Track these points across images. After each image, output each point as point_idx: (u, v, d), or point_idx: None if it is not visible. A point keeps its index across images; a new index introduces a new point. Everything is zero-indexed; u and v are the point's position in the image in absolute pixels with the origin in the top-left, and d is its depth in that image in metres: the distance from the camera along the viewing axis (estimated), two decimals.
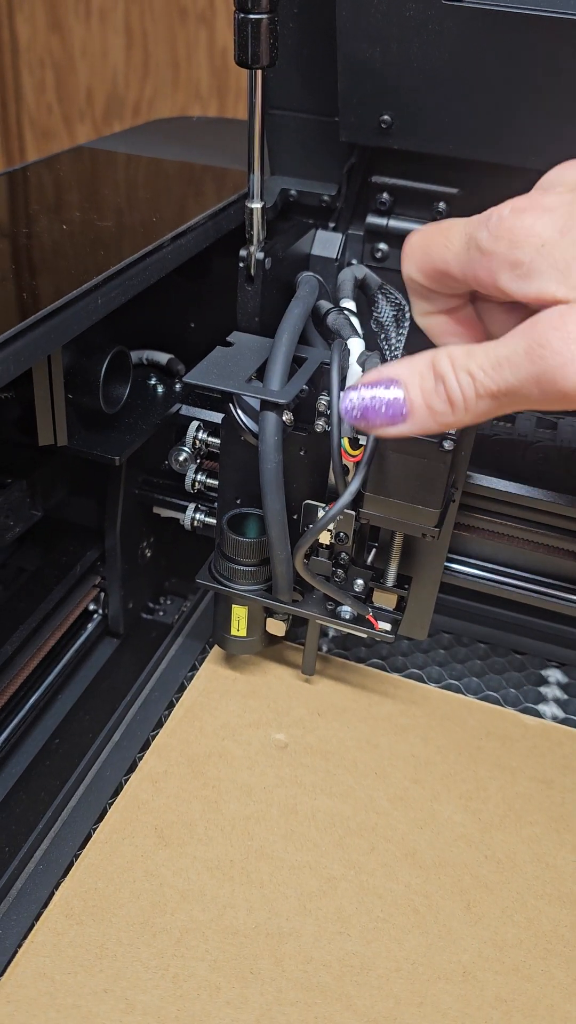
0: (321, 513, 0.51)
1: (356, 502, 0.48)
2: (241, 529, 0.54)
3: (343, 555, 0.53)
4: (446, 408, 0.35)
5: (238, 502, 0.55)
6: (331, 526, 0.50)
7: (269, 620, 0.57)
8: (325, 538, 0.52)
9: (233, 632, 0.57)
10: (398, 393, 0.36)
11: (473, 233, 0.36)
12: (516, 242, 0.34)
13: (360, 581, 0.53)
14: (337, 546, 0.52)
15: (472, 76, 0.50)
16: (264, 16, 0.44)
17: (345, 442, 0.46)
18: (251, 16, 0.44)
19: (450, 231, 0.37)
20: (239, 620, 0.56)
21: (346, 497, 0.45)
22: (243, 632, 0.56)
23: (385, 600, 0.54)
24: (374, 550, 0.54)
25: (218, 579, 0.55)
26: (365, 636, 0.55)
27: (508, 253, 0.34)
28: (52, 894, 0.46)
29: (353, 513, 0.50)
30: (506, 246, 0.34)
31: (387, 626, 0.54)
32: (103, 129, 1.73)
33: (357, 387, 0.38)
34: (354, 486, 0.45)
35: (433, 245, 0.38)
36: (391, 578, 0.54)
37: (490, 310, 0.41)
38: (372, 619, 0.54)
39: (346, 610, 0.54)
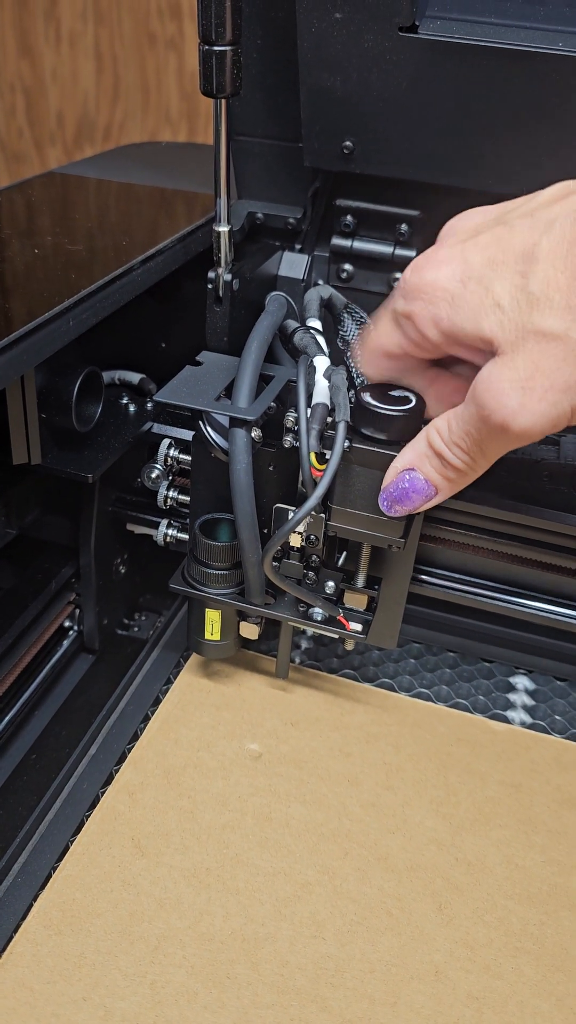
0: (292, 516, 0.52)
1: (326, 507, 0.50)
2: (213, 534, 0.55)
3: (314, 558, 0.54)
4: (457, 474, 0.42)
5: None
6: (301, 529, 0.51)
7: (242, 624, 0.58)
8: (296, 541, 0.53)
9: (207, 636, 0.58)
10: (418, 476, 0.43)
11: (392, 307, 0.41)
12: (429, 299, 0.39)
13: (331, 583, 0.55)
14: (308, 549, 0.53)
15: (429, 103, 0.52)
16: (228, 48, 0.46)
17: (312, 457, 0.47)
18: (215, 48, 0.46)
19: (377, 321, 0.43)
20: (213, 624, 0.57)
21: (312, 500, 0.46)
22: (217, 636, 0.57)
23: (356, 601, 0.56)
24: (345, 552, 0.55)
25: (191, 583, 0.56)
26: (337, 637, 0.56)
27: (426, 310, 0.39)
28: (31, 906, 0.47)
29: (323, 516, 0.51)
30: (422, 305, 0.39)
31: (358, 626, 0.55)
32: (74, 153, 1.75)
33: (385, 488, 0.45)
34: (321, 488, 0.46)
35: (370, 343, 0.43)
36: (361, 579, 0.55)
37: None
38: (343, 620, 0.55)
39: (318, 612, 0.55)
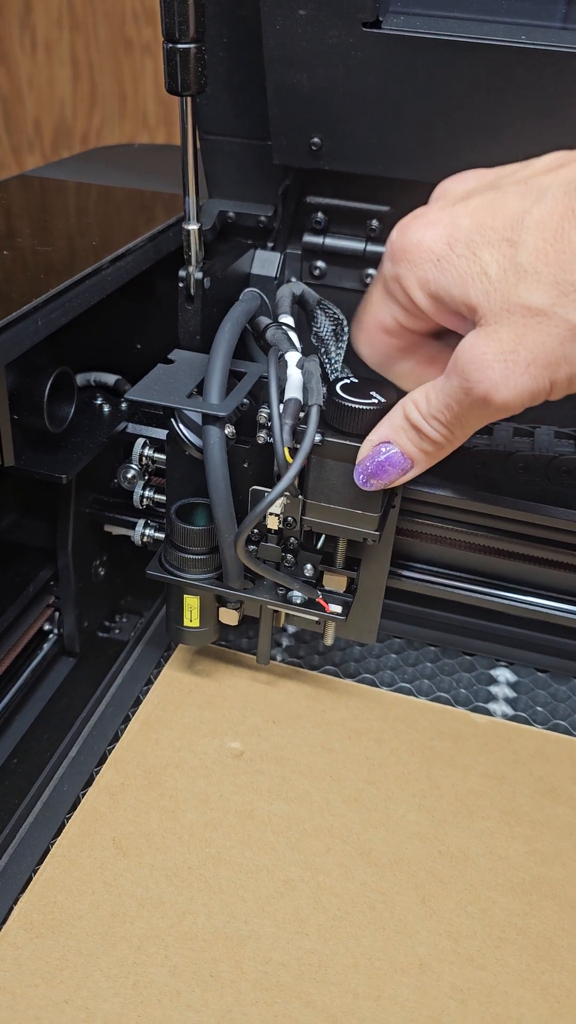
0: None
1: (302, 493, 0.49)
2: (189, 518, 0.55)
3: (292, 540, 0.54)
4: (434, 447, 0.42)
5: None
6: (279, 511, 0.51)
7: (221, 610, 0.57)
8: (273, 523, 0.52)
9: (186, 623, 0.57)
10: (394, 450, 0.43)
11: (380, 271, 0.41)
12: (416, 260, 0.38)
13: (309, 566, 0.54)
14: (286, 531, 0.53)
15: (396, 98, 0.52)
16: (192, 46, 0.46)
17: (285, 451, 0.47)
18: (179, 46, 0.46)
19: (370, 295, 0.42)
20: (191, 610, 0.56)
21: (286, 480, 0.45)
22: (196, 623, 0.57)
23: (335, 583, 0.55)
24: (324, 535, 0.55)
25: (168, 569, 0.55)
26: (316, 620, 0.56)
27: (413, 272, 0.38)
28: (11, 909, 0.47)
29: (300, 497, 0.50)
30: (408, 267, 0.38)
31: (338, 608, 0.55)
32: (52, 159, 1.74)
33: (360, 462, 0.44)
34: (295, 468, 0.45)
35: (366, 320, 0.43)
36: (340, 560, 0.55)
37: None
38: (323, 602, 0.54)
39: (298, 595, 0.55)
